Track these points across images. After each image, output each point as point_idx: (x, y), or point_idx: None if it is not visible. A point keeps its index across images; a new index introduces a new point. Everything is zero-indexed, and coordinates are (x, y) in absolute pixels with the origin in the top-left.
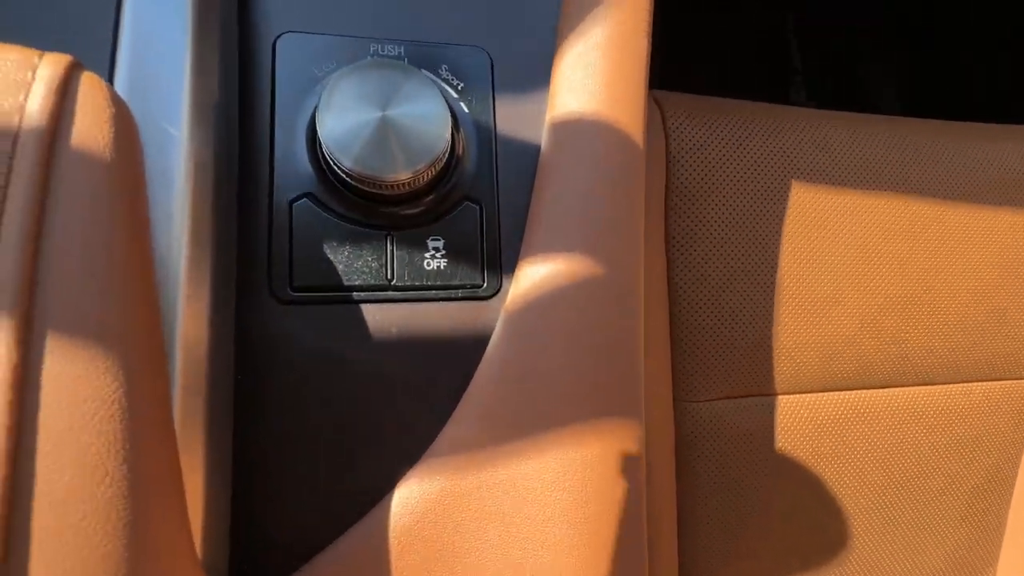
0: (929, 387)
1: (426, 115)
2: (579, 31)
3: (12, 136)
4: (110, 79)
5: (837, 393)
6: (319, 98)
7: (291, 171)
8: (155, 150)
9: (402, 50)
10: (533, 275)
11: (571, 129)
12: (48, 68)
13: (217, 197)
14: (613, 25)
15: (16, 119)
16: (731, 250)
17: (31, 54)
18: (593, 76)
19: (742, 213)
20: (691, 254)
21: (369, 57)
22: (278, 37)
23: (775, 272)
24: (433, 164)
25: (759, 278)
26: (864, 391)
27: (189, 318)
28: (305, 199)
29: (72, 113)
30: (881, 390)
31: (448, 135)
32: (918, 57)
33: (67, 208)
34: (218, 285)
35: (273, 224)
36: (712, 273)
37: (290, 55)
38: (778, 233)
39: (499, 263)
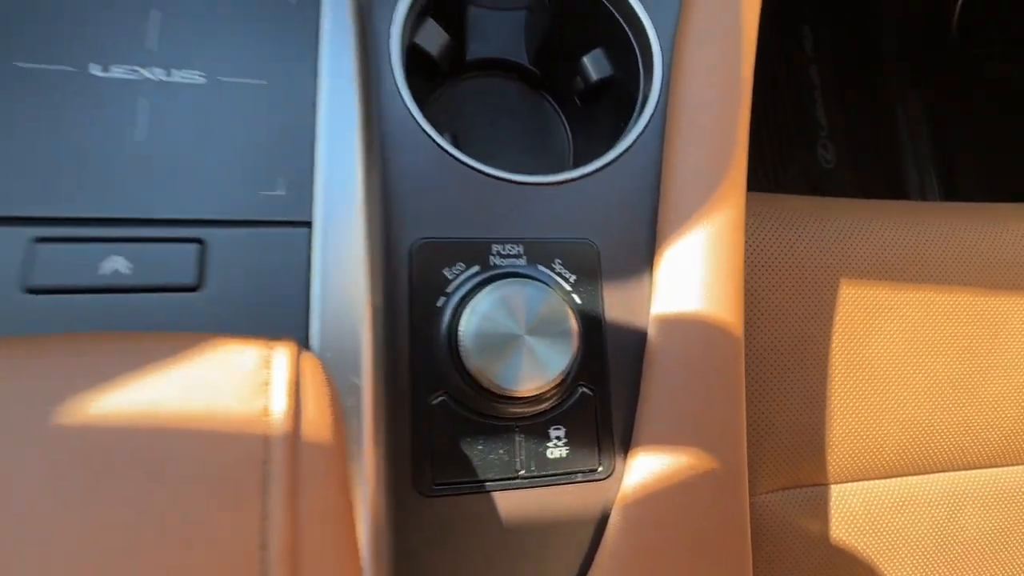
0: (985, 470)
1: (559, 335)
2: (680, 227)
3: (263, 440)
4: (306, 325)
5: (889, 480)
6: (460, 309)
7: (429, 371)
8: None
9: (521, 248)
10: (646, 463)
11: (675, 322)
12: (282, 363)
13: (379, 406)
14: (711, 222)
15: (263, 423)
16: (781, 342)
17: (264, 350)
18: (694, 271)
19: (791, 305)
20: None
21: (492, 256)
22: (413, 244)
23: (826, 362)
24: (561, 375)
25: (808, 368)
26: (918, 477)
27: (371, 519)
28: (444, 398)
29: (305, 406)
30: (936, 475)
31: (575, 349)
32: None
33: (311, 494)
34: (380, 484)
35: (417, 422)
36: (761, 364)
37: (423, 259)
38: (829, 323)
39: (613, 446)
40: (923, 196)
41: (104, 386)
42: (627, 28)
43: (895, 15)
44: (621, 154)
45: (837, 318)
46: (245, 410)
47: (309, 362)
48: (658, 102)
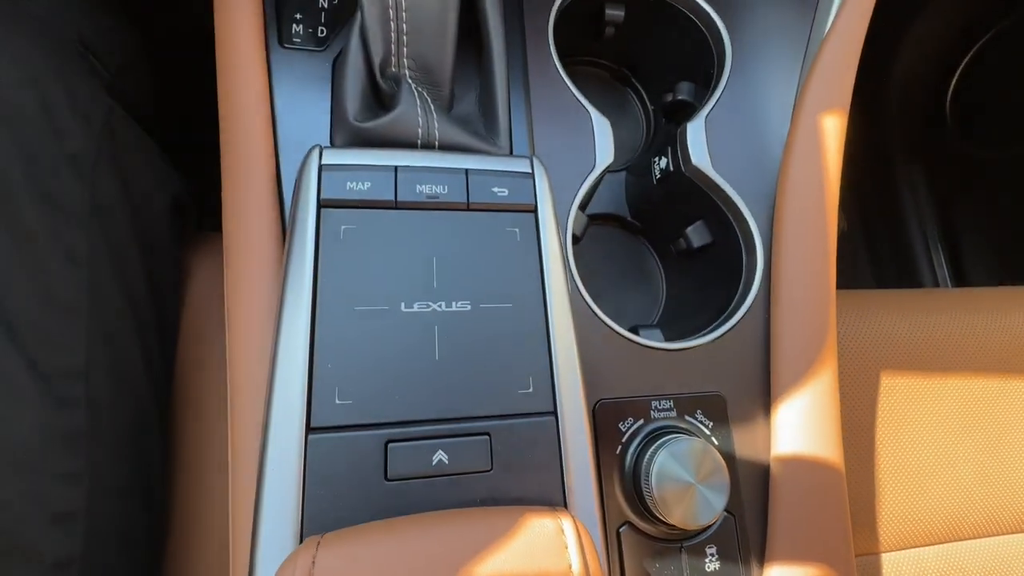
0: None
1: (719, 481)
2: (790, 383)
3: None
4: None
5: (938, 547)
6: (638, 458)
7: (614, 506)
8: None
9: (671, 403)
10: (779, 572)
11: (792, 458)
12: (569, 529)
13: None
14: (814, 374)
15: None
16: None
17: (554, 519)
18: (804, 415)
19: (842, 395)
20: None
21: (652, 411)
22: (595, 404)
23: (873, 444)
24: (722, 512)
25: (859, 450)
26: (964, 542)
27: None
28: (627, 526)
29: (589, 561)
30: (981, 540)
31: (729, 489)
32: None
33: None
34: None
35: (607, 546)
36: None
37: (603, 416)
38: (873, 409)
39: (750, 562)
40: (932, 270)
41: (466, 552)
42: (726, 210)
43: (898, 111)
44: (739, 321)
45: (880, 404)
46: (557, 569)
47: (579, 524)
48: (763, 276)
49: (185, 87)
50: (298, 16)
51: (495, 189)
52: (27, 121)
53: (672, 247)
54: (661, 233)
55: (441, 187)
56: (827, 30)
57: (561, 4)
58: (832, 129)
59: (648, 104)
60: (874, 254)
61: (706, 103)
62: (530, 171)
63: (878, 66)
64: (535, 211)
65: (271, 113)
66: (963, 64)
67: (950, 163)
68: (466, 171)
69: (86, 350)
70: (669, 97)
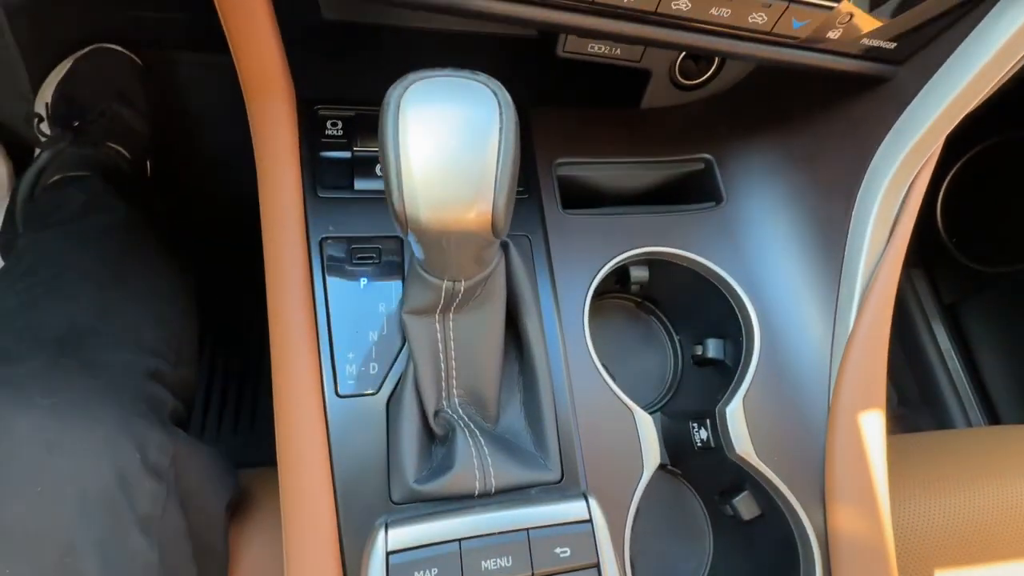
0: None
1: None
2: None
3: None
4: None
5: None
6: None
7: None
8: None
9: None
10: None
11: None
12: None
13: None
14: None
15: None
16: None
17: None
18: None
19: None
20: None
21: None
22: None
23: None
24: None
25: None
26: None
27: None
28: None
29: None
30: None
31: None
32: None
33: None
34: None
35: None
36: None
37: None
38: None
39: None
40: (954, 390)
41: None
42: (773, 494)
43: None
44: None
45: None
46: None
47: None
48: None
49: None
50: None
51: (558, 550)
52: (101, 496)
53: (720, 509)
54: (705, 487)
55: (505, 559)
56: (851, 324)
57: (595, 292)
58: (872, 430)
59: (674, 335)
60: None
61: (741, 382)
62: (588, 517)
63: None
64: (597, 566)
65: (328, 460)
66: (948, 178)
67: (954, 274)
68: (527, 532)
69: None
70: (699, 351)
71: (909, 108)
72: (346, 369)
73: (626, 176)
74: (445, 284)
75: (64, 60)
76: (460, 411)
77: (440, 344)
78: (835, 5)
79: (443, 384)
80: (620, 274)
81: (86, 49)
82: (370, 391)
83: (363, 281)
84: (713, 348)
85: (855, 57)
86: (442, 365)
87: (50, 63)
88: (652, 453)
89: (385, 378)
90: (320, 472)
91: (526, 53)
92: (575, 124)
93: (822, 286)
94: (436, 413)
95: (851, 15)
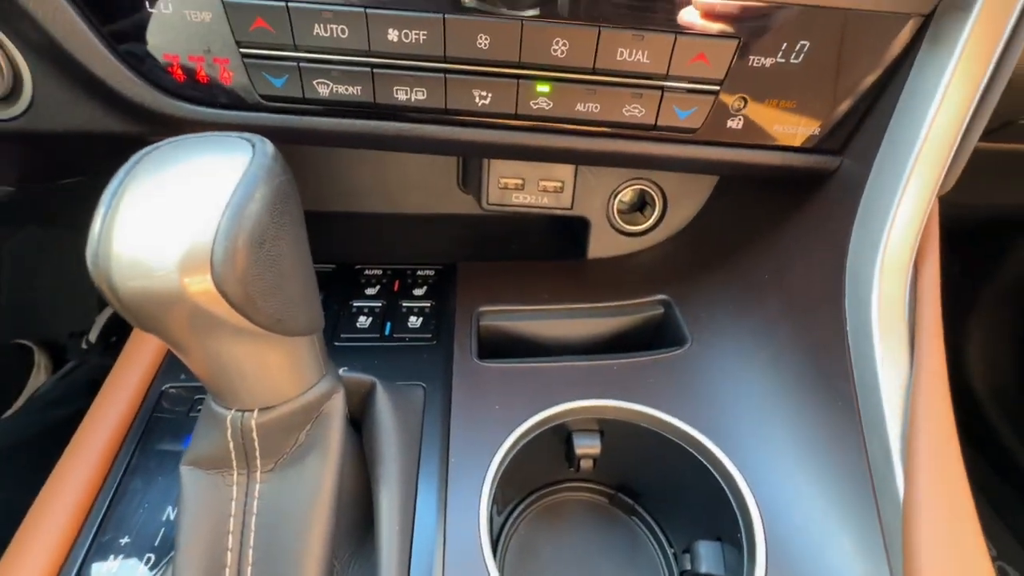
0: None
1: None
2: None
3: None
4: None
5: None
6: None
7: None
8: None
9: None
10: None
11: None
12: None
13: None
14: None
15: None
16: None
17: None
18: None
19: None
20: None
21: None
22: None
23: None
24: None
25: None
26: None
27: None
28: None
29: None
30: None
31: None
32: None
33: None
34: None
35: None
36: None
37: None
38: None
39: None
40: None
41: None
42: None
43: None
44: None
45: None
46: None
47: None
48: None
49: None
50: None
51: None
52: None
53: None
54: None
55: None
56: (900, 499)
57: (500, 465)
58: None
59: (663, 541)
60: None
61: None
62: None
63: None
64: None
65: None
66: None
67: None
68: None
69: None
70: (688, 565)
71: (865, 196)
72: (104, 563)
73: (569, 326)
74: (231, 416)
75: None
76: None
77: (231, 521)
78: (716, 88)
79: None
80: (568, 449)
81: None
82: None
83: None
84: (707, 557)
85: (783, 150)
86: (228, 557)
87: None
88: None
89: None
90: None
91: (461, 221)
92: (511, 275)
93: (837, 439)
94: None
95: (745, 100)
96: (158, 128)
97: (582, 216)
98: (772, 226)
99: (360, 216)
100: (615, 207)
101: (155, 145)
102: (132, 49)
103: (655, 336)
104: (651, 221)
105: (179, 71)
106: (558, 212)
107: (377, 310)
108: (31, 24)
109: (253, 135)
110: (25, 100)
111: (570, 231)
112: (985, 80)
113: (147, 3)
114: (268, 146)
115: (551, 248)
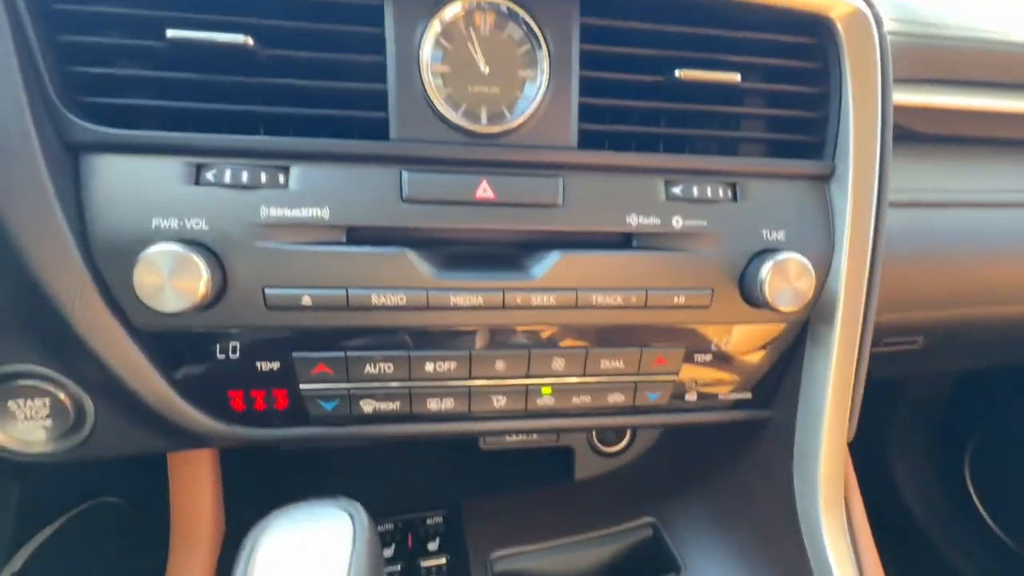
0: None
1: None
2: None
3: None
4: None
5: None
6: None
7: None
8: None
9: None
10: None
11: None
12: None
13: None
14: None
15: None
16: None
17: None
18: None
19: None
20: None
21: None
22: None
23: None
24: None
25: None
26: None
27: None
28: None
29: None
30: None
31: None
32: None
33: None
34: None
35: None
36: None
37: None
38: None
39: None
40: None
41: None
42: None
43: None
44: None
45: None
46: None
47: None
48: None
49: None
50: None
51: None
52: None
53: None
54: None
55: None
56: None
57: None
58: None
59: None
60: None
61: None
62: None
63: None
64: None
65: None
66: None
67: None
68: None
69: None
70: None
71: (796, 446)
72: None
73: (570, 559)
74: None
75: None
76: None
77: None
78: (674, 378)
79: None
80: None
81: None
82: None
83: None
84: None
85: (727, 409)
86: None
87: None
88: None
89: None
90: None
91: (457, 451)
92: (509, 510)
93: None
94: None
95: (695, 381)
96: (201, 445)
97: (567, 445)
98: (727, 461)
99: (359, 450)
100: (595, 434)
101: (263, 524)
102: (196, 387)
103: (648, 561)
104: (624, 442)
105: (240, 403)
106: (546, 445)
107: (398, 574)
108: (97, 366)
109: (349, 503)
110: (86, 432)
111: (557, 455)
112: (856, 353)
113: (216, 351)
114: (363, 514)
115: (539, 473)
